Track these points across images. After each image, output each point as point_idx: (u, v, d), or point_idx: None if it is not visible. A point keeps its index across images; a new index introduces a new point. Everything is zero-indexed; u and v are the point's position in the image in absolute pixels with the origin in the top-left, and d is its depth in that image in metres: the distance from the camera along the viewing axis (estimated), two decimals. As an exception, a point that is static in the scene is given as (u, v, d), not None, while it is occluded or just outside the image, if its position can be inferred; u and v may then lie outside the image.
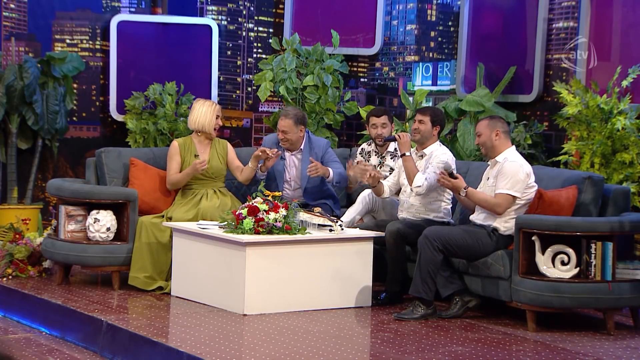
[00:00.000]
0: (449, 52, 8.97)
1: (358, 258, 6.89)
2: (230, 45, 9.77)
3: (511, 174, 6.48)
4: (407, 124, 8.56)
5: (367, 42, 9.52)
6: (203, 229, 6.87)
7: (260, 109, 9.86)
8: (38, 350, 6.22)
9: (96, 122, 9.38)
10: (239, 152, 7.85)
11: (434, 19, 9.11)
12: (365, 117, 8.11)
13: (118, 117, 9.27)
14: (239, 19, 9.83)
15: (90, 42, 9.33)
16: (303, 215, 6.90)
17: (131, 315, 6.61)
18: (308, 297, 6.74)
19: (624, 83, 7.25)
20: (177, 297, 7.08)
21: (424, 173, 6.88)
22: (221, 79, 9.70)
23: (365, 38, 9.53)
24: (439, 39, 9.07)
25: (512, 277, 6.39)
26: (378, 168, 7.53)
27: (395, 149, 7.66)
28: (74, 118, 9.30)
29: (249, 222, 6.63)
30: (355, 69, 9.68)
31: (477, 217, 6.71)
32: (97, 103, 9.38)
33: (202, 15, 9.69)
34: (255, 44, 9.88)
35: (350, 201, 7.93)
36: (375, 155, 7.76)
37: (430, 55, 9.13)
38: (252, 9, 9.86)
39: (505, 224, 6.54)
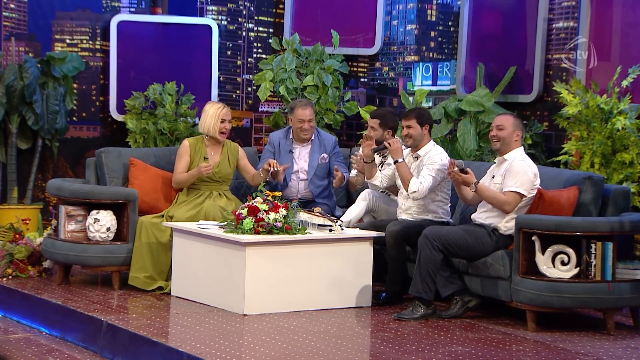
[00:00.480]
0: (449, 52, 8.97)
1: (358, 258, 6.89)
2: (230, 45, 9.77)
3: (520, 173, 6.48)
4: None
5: (367, 42, 9.52)
6: (203, 229, 6.87)
7: (260, 109, 9.86)
8: (38, 350, 6.22)
9: (96, 122, 9.38)
10: (240, 152, 7.86)
11: (434, 19, 9.11)
12: (365, 117, 8.17)
13: (118, 117, 9.27)
14: (239, 19, 9.83)
15: (90, 42, 9.33)
16: (303, 215, 6.90)
17: (131, 315, 6.61)
18: (308, 297, 6.74)
19: (624, 83, 7.25)
20: (177, 297, 7.08)
21: (419, 177, 6.87)
22: (221, 79, 9.70)
23: (365, 38, 9.53)
24: (439, 39, 9.07)
25: (512, 277, 6.39)
26: (380, 167, 7.54)
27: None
28: (74, 118, 9.30)
29: (249, 222, 6.63)
30: (355, 69, 9.68)
31: (479, 216, 6.71)
32: (97, 103, 9.38)
33: (202, 15, 9.69)
34: (255, 44, 9.89)
35: (350, 201, 7.94)
36: (378, 154, 7.76)
37: (430, 55, 9.13)
38: (252, 9, 9.86)
39: (506, 224, 6.54)
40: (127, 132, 9.09)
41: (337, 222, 6.87)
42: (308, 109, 7.79)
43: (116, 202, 7.36)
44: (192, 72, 9.55)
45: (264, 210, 6.67)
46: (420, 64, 9.16)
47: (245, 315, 6.53)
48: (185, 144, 7.59)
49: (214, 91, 9.56)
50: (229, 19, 9.78)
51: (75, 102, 9.21)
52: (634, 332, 6.42)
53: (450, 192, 7.11)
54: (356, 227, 7.23)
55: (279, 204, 6.75)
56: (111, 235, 7.38)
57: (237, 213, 6.72)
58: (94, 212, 7.36)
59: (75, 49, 9.25)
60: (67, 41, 9.26)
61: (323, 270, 6.79)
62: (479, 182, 6.55)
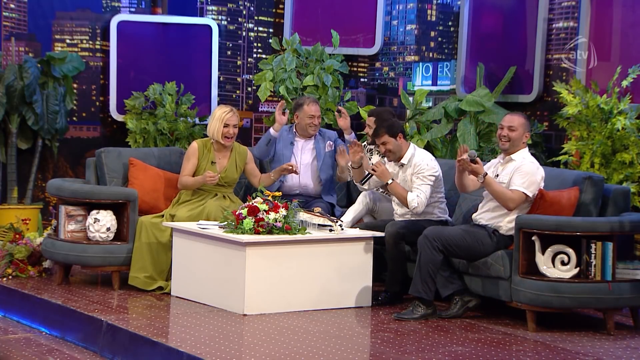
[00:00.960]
0: (449, 52, 8.97)
1: (358, 258, 6.89)
2: (230, 45, 9.77)
3: (530, 175, 6.47)
4: (407, 124, 8.56)
5: (367, 42, 9.52)
6: (203, 229, 6.87)
7: (260, 109, 9.86)
8: (38, 350, 6.22)
9: (96, 122, 9.39)
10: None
11: (434, 19, 9.11)
12: (365, 117, 8.20)
13: (118, 117, 9.27)
14: (239, 19, 9.83)
15: (90, 42, 9.34)
16: (303, 215, 6.90)
17: (131, 315, 6.61)
18: (308, 297, 6.74)
19: (624, 83, 7.25)
20: (177, 297, 7.08)
21: (414, 190, 6.86)
22: (221, 79, 9.70)
23: (365, 38, 9.53)
24: (439, 39, 9.07)
25: (512, 277, 6.39)
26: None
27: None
28: (74, 118, 9.30)
29: (249, 222, 6.63)
30: (355, 69, 9.68)
31: (482, 217, 6.69)
32: (97, 103, 9.38)
33: (202, 15, 9.69)
34: (255, 44, 9.89)
35: (350, 201, 7.95)
36: (377, 153, 7.77)
37: (430, 55, 9.13)
38: (252, 9, 9.86)
39: (508, 224, 6.53)
40: (127, 132, 9.09)
41: (337, 222, 6.87)
42: (316, 105, 7.93)
43: (116, 202, 7.36)
44: (192, 72, 9.55)
45: (264, 210, 6.67)
46: (420, 64, 9.16)
47: (245, 315, 6.53)
48: (194, 146, 7.54)
49: (214, 91, 9.56)
50: (229, 19, 9.79)
51: (75, 102, 9.21)
52: (634, 332, 6.42)
53: (447, 191, 7.12)
54: (356, 227, 7.23)
55: (279, 204, 6.76)
56: (111, 235, 7.38)
57: (237, 213, 6.72)
58: (94, 212, 7.36)
59: (75, 49, 9.25)
60: (67, 41, 9.26)
61: (323, 270, 6.79)
62: (487, 174, 6.51)
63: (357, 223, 7.40)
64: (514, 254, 6.41)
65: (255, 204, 6.72)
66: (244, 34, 9.84)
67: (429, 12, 9.14)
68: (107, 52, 9.33)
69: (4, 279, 7.65)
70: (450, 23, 8.96)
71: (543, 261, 6.31)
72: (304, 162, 7.90)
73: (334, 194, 8.03)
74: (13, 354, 6.11)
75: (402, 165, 7.01)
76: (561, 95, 7.38)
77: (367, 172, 7.09)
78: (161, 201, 7.62)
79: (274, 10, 9.94)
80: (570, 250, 6.29)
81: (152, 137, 8.96)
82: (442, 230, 6.58)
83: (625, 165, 7.15)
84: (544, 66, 8.12)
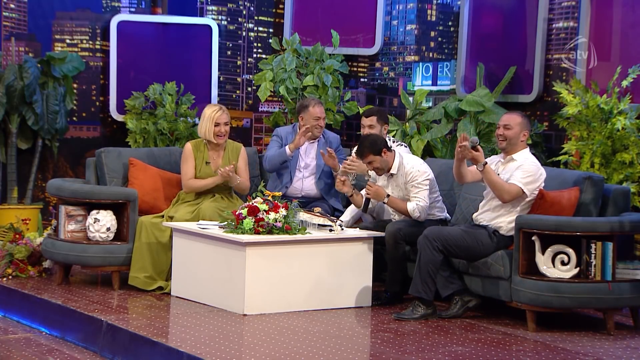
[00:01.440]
0: (449, 52, 8.97)
1: (358, 258, 6.89)
2: (230, 45, 9.77)
3: (531, 174, 6.46)
4: (407, 124, 8.56)
5: (367, 42, 9.52)
6: (203, 229, 6.87)
7: (260, 109, 9.86)
8: (38, 350, 6.22)
9: (96, 122, 9.39)
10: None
11: (434, 19, 9.11)
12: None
13: (118, 117, 9.27)
14: (239, 19, 9.83)
15: (90, 42, 9.34)
16: (303, 215, 6.90)
17: (131, 315, 6.61)
18: (308, 297, 6.74)
19: (624, 83, 7.25)
20: (177, 297, 7.08)
21: (412, 199, 6.86)
22: (221, 79, 9.71)
23: (365, 38, 9.53)
24: (439, 39, 9.07)
25: (512, 277, 6.39)
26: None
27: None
28: (74, 118, 9.30)
29: (249, 222, 6.63)
30: (355, 69, 9.68)
31: (482, 217, 6.69)
32: (97, 103, 9.38)
33: (202, 15, 9.69)
34: (255, 44, 9.89)
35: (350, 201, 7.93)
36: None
37: (430, 55, 9.13)
38: (252, 9, 9.86)
39: (509, 225, 6.52)
40: (127, 132, 9.10)
41: (337, 222, 6.88)
42: (321, 106, 7.90)
43: (116, 202, 7.36)
44: (192, 72, 9.55)
45: (264, 210, 6.67)
46: (420, 64, 9.16)
47: (245, 315, 6.53)
48: (187, 147, 7.54)
49: (214, 91, 9.56)
50: (229, 19, 9.79)
51: (75, 102, 9.21)
52: (634, 332, 6.42)
53: (447, 191, 7.11)
54: (356, 227, 7.23)
55: (279, 203, 6.76)
56: (111, 235, 7.38)
57: (237, 213, 6.72)
58: (94, 212, 7.36)
59: (75, 49, 9.25)
60: (67, 41, 9.26)
61: (323, 270, 6.79)
62: (487, 163, 6.50)
63: (356, 223, 7.40)
64: (514, 254, 6.41)
65: (255, 204, 6.72)
66: (244, 34, 9.84)
67: (429, 12, 9.14)
68: (107, 52, 9.33)
69: (4, 279, 7.66)
70: (450, 23, 8.96)
71: (543, 261, 6.31)
72: (309, 164, 7.86)
73: (339, 199, 7.98)
74: (13, 354, 6.11)
75: (392, 175, 7.00)
76: (561, 95, 7.38)
77: (364, 197, 7.08)
78: (161, 201, 7.62)
79: (274, 10, 9.94)
80: (570, 250, 6.29)
81: (152, 137, 8.96)
82: (442, 231, 6.58)
83: (625, 165, 7.15)
84: (544, 66, 8.12)
